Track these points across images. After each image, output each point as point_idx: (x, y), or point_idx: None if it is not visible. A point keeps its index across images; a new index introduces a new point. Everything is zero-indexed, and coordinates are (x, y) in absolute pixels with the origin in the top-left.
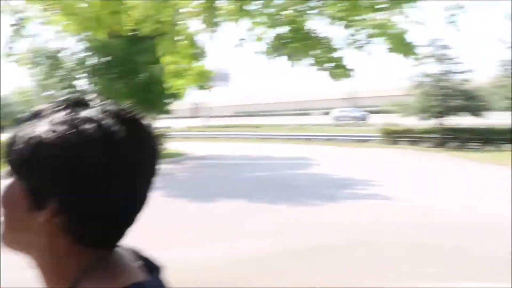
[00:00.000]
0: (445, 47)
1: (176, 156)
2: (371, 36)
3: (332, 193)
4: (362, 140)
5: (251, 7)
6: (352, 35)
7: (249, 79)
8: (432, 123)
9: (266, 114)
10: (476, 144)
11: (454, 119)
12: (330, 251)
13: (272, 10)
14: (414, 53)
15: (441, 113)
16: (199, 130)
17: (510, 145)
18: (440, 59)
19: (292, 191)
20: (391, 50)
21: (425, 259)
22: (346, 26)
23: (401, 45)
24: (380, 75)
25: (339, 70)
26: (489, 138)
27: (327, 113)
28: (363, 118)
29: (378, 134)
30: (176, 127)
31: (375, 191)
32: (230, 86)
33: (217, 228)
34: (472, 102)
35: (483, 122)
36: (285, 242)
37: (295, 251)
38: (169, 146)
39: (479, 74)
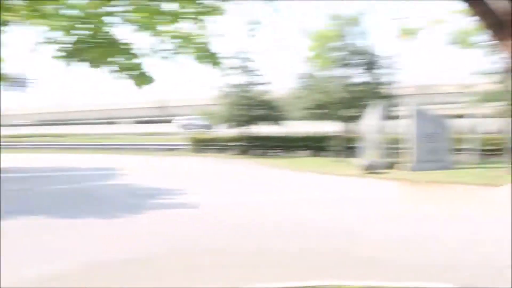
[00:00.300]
0: (248, 59)
1: None
2: (177, 46)
3: (137, 203)
4: (172, 149)
5: (48, 8)
6: (159, 44)
7: (53, 86)
8: (238, 131)
9: (73, 123)
10: (277, 151)
11: (257, 128)
12: (139, 263)
13: (71, 13)
14: (219, 63)
15: (246, 122)
16: None
17: (307, 151)
18: (245, 70)
19: (96, 203)
20: (197, 60)
21: (230, 263)
22: (152, 35)
23: (206, 55)
24: (191, 84)
25: (141, 77)
26: (287, 146)
27: (169, 121)
28: (209, 127)
29: (188, 143)
30: None
31: (181, 200)
32: (30, 92)
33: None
34: (273, 112)
35: (283, 130)
36: (87, 257)
37: (100, 267)
38: None
39: (280, 85)
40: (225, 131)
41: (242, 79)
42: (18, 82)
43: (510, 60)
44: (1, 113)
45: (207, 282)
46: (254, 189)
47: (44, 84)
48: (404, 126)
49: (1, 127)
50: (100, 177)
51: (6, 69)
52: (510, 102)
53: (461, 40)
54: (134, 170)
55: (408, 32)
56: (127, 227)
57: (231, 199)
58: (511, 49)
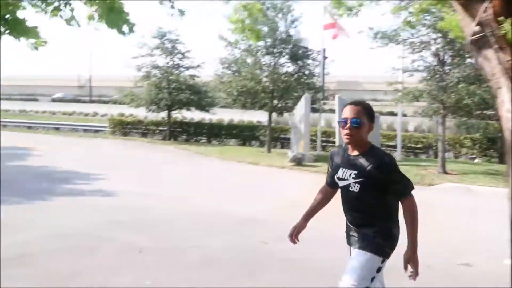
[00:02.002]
0: (175, 41)
1: None
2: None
3: (49, 188)
4: (92, 131)
5: None
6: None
7: None
8: (161, 115)
9: None
10: (202, 138)
11: (182, 113)
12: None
13: None
14: (131, 28)
15: (170, 106)
16: None
17: (234, 140)
18: (170, 52)
19: (4, 186)
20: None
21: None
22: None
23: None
24: (114, 64)
25: (36, 40)
26: (214, 133)
27: (92, 102)
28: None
29: (108, 125)
30: None
31: (97, 186)
32: None
33: None
34: (199, 97)
35: (209, 117)
36: None
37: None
38: None
39: (209, 70)
40: (147, 114)
41: (168, 61)
42: None
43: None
44: None
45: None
46: (170, 177)
47: None
48: (331, 120)
49: None
50: (8, 157)
51: None
52: (434, 101)
53: (390, 37)
54: (50, 150)
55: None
56: (34, 215)
57: (151, 187)
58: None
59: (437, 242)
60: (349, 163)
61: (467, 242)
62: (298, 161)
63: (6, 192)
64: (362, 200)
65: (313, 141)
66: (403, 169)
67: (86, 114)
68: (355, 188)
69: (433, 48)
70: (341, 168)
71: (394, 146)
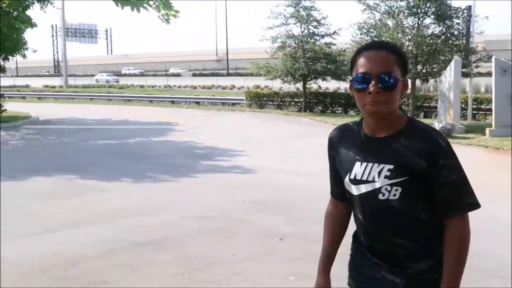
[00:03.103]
0: (310, 8)
1: (14, 120)
2: None
3: (191, 165)
4: (230, 104)
5: None
6: None
7: (120, 34)
8: (297, 86)
9: (131, 74)
10: (338, 108)
11: (318, 83)
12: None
13: None
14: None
15: (305, 76)
16: (57, 91)
17: None
18: (305, 20)
19: (142, 163)
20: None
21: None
22: None
23: None
24: (246, 36)
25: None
26: (351, 103)
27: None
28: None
29: (245, 98)
30: (28, 87)
31: (236, 163)
32: (96, 42)
33: (16, 222)
34: (335, 66)
35: (345, 86)
36: (113, 230)
37: (133, 244)
38: (13, 108)
39: (343, 37)
40: (284, 86)
41: (303, 29)
42: (88, 33)
43: None
44: (66, 63)
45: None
46: (307, 151)
47: (110, 34)
48: (486, 85)
49: (63, 78)
50: (152, 132)
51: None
52: None
53: None
54: (190, 124)
55: None
56: (175, 193)
57: (281, 164)
58: None
59: None
60: (375, 152)
61: None
62: (448, 132)
63: (153, 169)
64: (406, 216)
65: (463, 109)
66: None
67: (224, 88)
68: (393, 194)
69: None
70: (358, 162)
71: None
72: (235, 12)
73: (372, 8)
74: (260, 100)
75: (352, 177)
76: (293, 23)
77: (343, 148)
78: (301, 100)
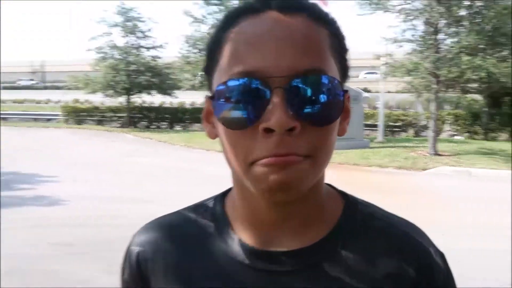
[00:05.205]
0: (136, 18)
1: None
2: None
3: None
4: (44, 119)
5: None
6: None
7: None
8: (119, 100)
9: None
10: (164, 123)
11: (142, 97)
12: None
13: None
14: None
15: (128, 90)
16: None
17: (199, 124)
18: (130, 31)
19: None
20: None
21: None
22: None
23: None
24: (67, 48)
25: None
26: (177, 118)
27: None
28: None
29: (61, 113)
30: None
31: (43, 192)
32: None
33: None
34: (160, 80)
35: (172, 100)
36: None
37: None
38: None
39: (170, 50)
40: (106, 101)
41: (127, 40)
42: None
43: None
44: None
45: None
46: (131, 173)
47: None
48: None
49: None
50: None
51: None
52: (422, 76)
53: (377, 3)
54: None
55: None
56: None
57: (101, 191)
58: None
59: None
60: None
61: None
62: None
63: None
64: None
65: None
66: (389, 151)
67: (38, 102)
68: None
69: (426, 15)
70: None
71: (373, 126)
72: (57, 21)
73: (199, 20)
74: (78, 115)
75: None
76: (119, 34)
77: (173, 282)
78: (124, 115)
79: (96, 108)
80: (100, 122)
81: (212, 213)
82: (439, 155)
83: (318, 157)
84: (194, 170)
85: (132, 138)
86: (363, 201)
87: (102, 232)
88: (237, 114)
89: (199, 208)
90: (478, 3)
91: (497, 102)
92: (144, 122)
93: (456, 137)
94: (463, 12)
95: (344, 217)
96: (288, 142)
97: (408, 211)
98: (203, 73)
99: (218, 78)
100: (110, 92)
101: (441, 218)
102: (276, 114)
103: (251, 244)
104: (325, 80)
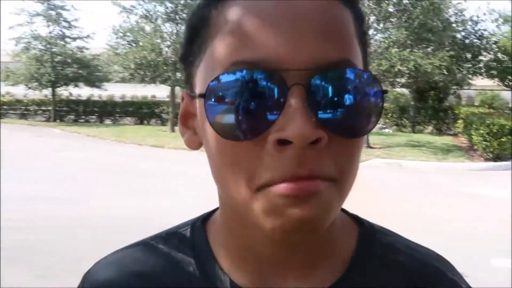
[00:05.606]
0: (59, 7)
1: None
2: None
3: None
4: None
5: None
6: None
7: None
8: (44, 93)
9: None
10: (92, 117)
11: (69, 90)
12: None
13: None
14: None
15: (54, 83)
16: None
17: (129, 118)
18: (54, 20)
19: None
20: None
21: None
22: None
23: None
24: None
25: None
26: (107, 111)
27: None
28: None
29: None
30: None
31: None
32: None
33: None
34: (88, 72)
35: (99, 93)
36: None
37: None
38: None
39: (98, 41)
40: (29, 93)
41: (52, 30)
42: None
43: None
44: None
45: None
46: (59, 170)
47: None
48: None
49: None
50: None
51: None
52: None
53: None
54: None
55: None
56: None
57: (29, 190)
58: None
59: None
60: None
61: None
62: None
63: None
64: None
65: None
66: None
67: None
68: None
69: None
70: None
71: None
72: None
73: (128, 10)
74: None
75: None
76: (41, 23)
77: None
78: (49, 108)
79: (19, 101)
80: (23, 116)
81: (190, 246)
82: (371, 147)
83: (345, 181)
84: (129, 165)
85: (59, 133)
86: (381, 228)
87: (38, 234)
88: (238, 119)
89: (171, 237)
90: (405, 1)
91: (423, 97)
92: (71, 116)
93: (385, 130)
94: (391, 9)
95: (360, 250)
96: (311, 160)
97: (351, 205)
98: (180, 62)
99: (206, 70)
100: (34, 84)
101: (381, 212)
102: (295, 120)
103: (246, 286)
104: (358, 75)
